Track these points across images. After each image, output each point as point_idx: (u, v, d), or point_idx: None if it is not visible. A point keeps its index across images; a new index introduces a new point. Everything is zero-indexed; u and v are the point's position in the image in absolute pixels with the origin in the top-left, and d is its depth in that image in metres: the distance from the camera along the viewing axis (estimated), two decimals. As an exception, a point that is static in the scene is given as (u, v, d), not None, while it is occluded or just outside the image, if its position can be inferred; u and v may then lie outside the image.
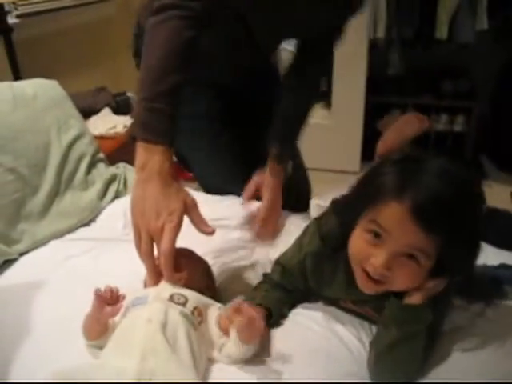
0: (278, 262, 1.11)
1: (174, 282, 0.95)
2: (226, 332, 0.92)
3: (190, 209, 0.97)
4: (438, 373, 0.90)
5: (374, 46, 3.06)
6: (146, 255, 0.95)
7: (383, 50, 3.07)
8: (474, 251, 0.86)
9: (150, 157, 0.96)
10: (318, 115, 3.57)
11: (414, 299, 0.88)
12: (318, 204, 1.62)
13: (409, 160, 0.87)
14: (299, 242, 1.09)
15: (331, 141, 3.25)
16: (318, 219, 1.07)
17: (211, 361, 0.92)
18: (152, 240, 0.94)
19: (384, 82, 3.29)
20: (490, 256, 1.14)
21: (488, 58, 3.18)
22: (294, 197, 1.56)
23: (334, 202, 1.04)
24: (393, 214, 0.82)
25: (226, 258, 1.24)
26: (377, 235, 0.85)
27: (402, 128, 1.16)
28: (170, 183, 0.97)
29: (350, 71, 3.08)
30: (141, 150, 0.97)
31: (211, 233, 0.98)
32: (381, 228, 0.84)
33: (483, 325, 0.99)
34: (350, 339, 0.98)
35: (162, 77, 0.97)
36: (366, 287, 0.90)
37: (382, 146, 1.12)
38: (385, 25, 2.93)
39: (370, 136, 3.26)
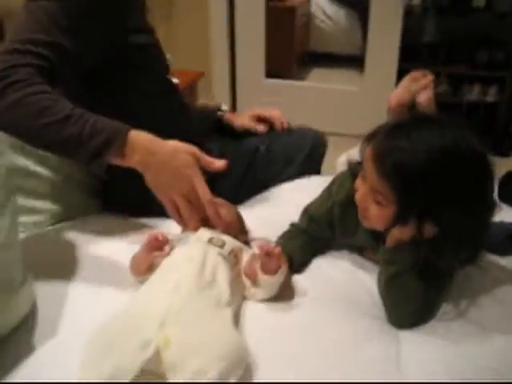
0: (305, 211, 1.18)
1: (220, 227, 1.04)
2: (250, 276, 1.00)
3: (197, 155, 1.04)
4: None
5: (409, 12, 3.03)
6: (192, 219, 1.02)
7: (418, 16, 3.05)
8: (459, 209, 0.90)
9: (129, 151, 1.00)
10: (350, 81, 3.59)
11: (388, 242, 1.00)
12: (342, 161, 1.67)
13: (408, 119, 0.96)
14: (328, 191, 1.16)
15: (362, 107, 3.25)
16: (350, 169, 1.12)
17: (244, 298, 1.00)
18: (189, 202, 1.02)
19: (418, 50, 3.27)
20: (507, 215, 1.20)
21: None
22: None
23: None
24: (366, 156, 0.95)
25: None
26: (362, 176, 0.97)
27: (408, 84, 1.30)
28: (162, 145, 1.03)
29: (384, 37, 3.08)
30: (119, 159, 1.00)
31: (224, 165, 1.06)
32: (363, 169, 0.97)
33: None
34: (371, 284, 1.05)
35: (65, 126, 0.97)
36: (361, 221, 1.01)
37: (391, 101, 1.28)
38: (421, -10, 2.91)
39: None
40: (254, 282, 0.99)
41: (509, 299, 1.01)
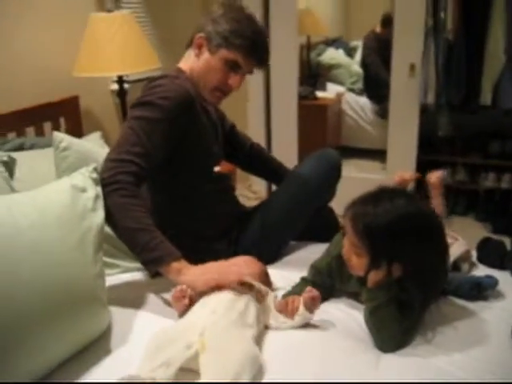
0: (312, 265, 1.52)
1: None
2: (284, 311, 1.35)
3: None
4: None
5: (424, 110, 3.43)
6: None
7: (433, 113, 3.43)
8: (415, 254, 1.23)
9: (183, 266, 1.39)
10: (374, 171, 3.96)
11: (368, 284, 1.30)
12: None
13: (377, 191, 1.32)
14: (328, 249, 1.51)
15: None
16: (341, 232, 1.47)
17: (266, 327, 1.33)
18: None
19: (435, 142, 3.64)
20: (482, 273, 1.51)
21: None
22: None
23: None
24: (346, 220, 1.29)
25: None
26: (344, 234, 1.33)
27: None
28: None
29: (403, 132, 3.47)
30: (170, 268, 1.37)
31: None
32: (346, 229, 1.31)
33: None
34: (361, 320, 1.35)
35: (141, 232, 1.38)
36: (349, 269, 1.35)
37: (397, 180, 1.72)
38: (434, 91, 3.32)
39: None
40: (291, 315, 1.33)
41: (462, 327, 1.31)
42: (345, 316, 1.39)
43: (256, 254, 1.72)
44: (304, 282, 1.49)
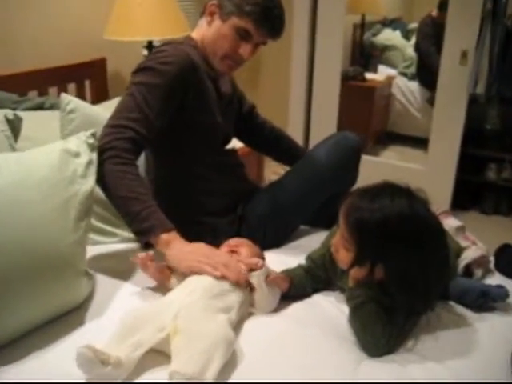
0: (308, 256, 1.45)
1: None
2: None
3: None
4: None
5: (473, 101, 3.24)
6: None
7: (482, 105, 3.24)
8: (404, 260, 1.13)
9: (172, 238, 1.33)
10: (416, 159, 3.80)
11: (349, 282, 1.25)
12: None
13: (377, 185, 1.22)
14: (325, 240, 1.43)
15: (423, 185, 3.41)
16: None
17: (251, 314, 1.28)
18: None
19: (481, 136, 3.44)
20: (497, 282, 1.39)
21: None
22: None
23: None
24: (340, 211, 1.21)
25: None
26: (338, 225, 1.24)
27: None
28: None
29: (448, 121, 3.28)
30: (160, 239, 1.32)
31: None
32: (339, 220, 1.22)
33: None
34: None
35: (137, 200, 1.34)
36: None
37: None
38: (485, 81, 3.12)
39: (465, 186, 3.43)
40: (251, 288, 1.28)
41: (454, 340, 1.21)
42: (335, 311, 1.31)
43: (261, 234, 1.66)
44: (299, 268, 1.43)
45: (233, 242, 1.46)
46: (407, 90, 4.50)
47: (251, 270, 1.29)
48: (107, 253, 1.55)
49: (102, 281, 1.37)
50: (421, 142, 4.08)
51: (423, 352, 1.17)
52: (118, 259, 1.51)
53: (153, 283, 1.36)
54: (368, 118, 4.26)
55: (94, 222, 1.56)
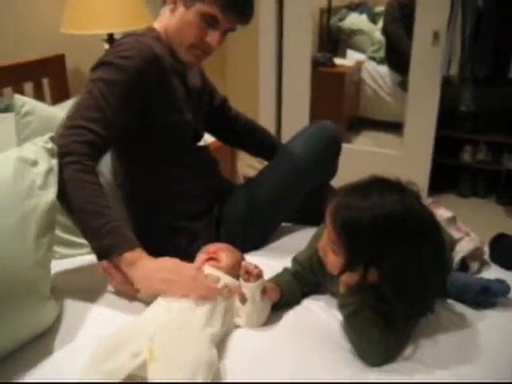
0: (294, 258, 1.34)
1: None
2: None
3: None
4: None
5: (447, 82, 3.17)
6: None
7: (456, 86, 3.17)
8: (398, 262, 1.04)
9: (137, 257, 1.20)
10: (391, 145, 3.73)
11: (340, 288, 1.15)
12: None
13: (366, 182, 1.11)
14: (311, 240, 1.33)
15: (400, 171, 3.34)
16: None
17: (237, 327, 1.17)
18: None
19: (456, 118, 3.38)
20: (495, 275, 1.31)
21: None
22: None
23: None
24: (327, 210, 1.11)
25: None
26: (325, 226, 1.13)
27: None
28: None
29: (422, 104, 3.21)
30: (123, 259, 1.19)
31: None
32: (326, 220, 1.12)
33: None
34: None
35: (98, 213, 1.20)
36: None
37: None
38: (458, 63, 3.05)
39: (440, 169, 3.38)
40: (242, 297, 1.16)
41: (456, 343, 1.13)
42: (328, 317, 1.22)
43: (240, 235, 1.56)
44: (285, 272, 1.32)
45: (211, 247, 1.35)
46: (377, 74, 4.43)
47: (245, 278, 1.17)
48: (75, 268, 1.41)
49: (70, 301, 1.24)
50: (393, 127, 4.03)
51: (425, 360, 1.08)
52: (87, 274, 1.37)
53: (127, 300, 1.24)
54: (339, 104, 4.18)
55: (59, 233, 1.43)
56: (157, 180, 1.49)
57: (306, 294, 1.31)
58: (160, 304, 1.11)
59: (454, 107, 3.30)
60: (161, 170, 1.48)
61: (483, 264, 1.39)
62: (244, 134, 1.89)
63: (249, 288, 1.15)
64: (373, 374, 1.05)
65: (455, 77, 3.12)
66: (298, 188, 1.65)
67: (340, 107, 4.18)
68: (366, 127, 4.44)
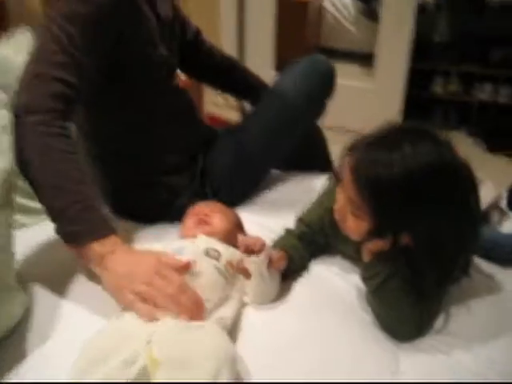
0: (299, 218, 1.17)
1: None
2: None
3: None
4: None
5: (422, 10, 2.97)
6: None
7: (432, 14, 2.99)
8: (435, 224, 0.88)
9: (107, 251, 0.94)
10: (359, 78, 3.55)
11: (364, 258, 0.99)
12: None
13: (391, 131, 0.93)
14: (320, 198, 1.15)
15: (371, 104, 3.22)
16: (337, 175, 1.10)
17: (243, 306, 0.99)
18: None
19: (429, 48, 3.22)
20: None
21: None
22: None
23: None
24: (345, 166, 0.93)
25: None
26: (342, 185, 0.96)
27: None
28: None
29: (395, 34, 3.01)
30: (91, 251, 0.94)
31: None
32: (342, 178, 0.94)
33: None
34: (362, 285, 1.03)
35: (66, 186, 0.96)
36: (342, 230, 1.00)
37: None
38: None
39: (412, 102, 3.24)
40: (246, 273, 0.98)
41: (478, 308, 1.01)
42: (345, 285, 1.06)
43: (227, 189, 1.38)
44: (290, 235, 1.15)
45: (201, 208, 1.15)
46: (339, 1, 4.18)
47: (248, 252, 0.97)
48: (40, 245, 1.15)
49: (40, 290, 1.01)
50: (358, 58, 3.84)
51: (460, 332, 0.95)
52: (56, 252, 1.10)
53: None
54: (302, 34, 3.94)
55: (16, 198, 1.18)
56: (129, 129, 1.26)
57: (313, 258, 1.15)
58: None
59: (428, 38, 3.12)
60: (133, 117, 1.25)
61: (502, 214, 1.26)
62: (222, 70, 1.65)
63: (253, 263, 0.97)
64: (405, 354, 0.90)
65: (430, 3, 2.94)
66: (291, 132, 1.46)
67: (303, 37, 3.94)
68: (329, 57, 4.22)
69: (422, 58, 3.18)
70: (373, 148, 0.90)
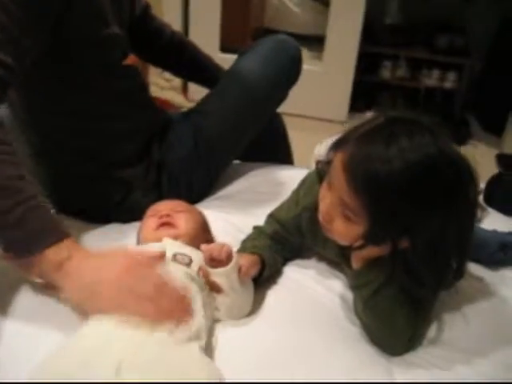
0: (271, 215, 1.05)
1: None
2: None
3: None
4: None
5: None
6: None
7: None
8: (438, 224, 0.79)
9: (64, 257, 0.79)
10: (308, 61, 3.45)
11: (354, 265, 0.89)
12: (318, 154, 1.54)
13: (385, 122, 0.83)
14: (296, 194, 1.03)
15: (320, 88, 3.13)
16: (317, 170, 0.98)
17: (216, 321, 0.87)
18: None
19: (378, 32, 3.16)
20: (498, 223, 1.12)
21: (486, 16, 3.08)
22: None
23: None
24: (335, 164, 0.82)
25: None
26: (329, 184, 0.84)
27: None
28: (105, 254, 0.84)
29: (345, 18, 2.94)
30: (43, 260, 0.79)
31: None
32: (330, 176, 0.84)
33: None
34: (344, 292, 0.95)
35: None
36: (324, 232, 0.89)
37: None
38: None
39: (360, 87, 3.19)
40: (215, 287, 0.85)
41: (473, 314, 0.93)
42: (326, 292, 0.96)
43: (186, 181, 1.24)
44: (261, 234, 1.03)
45: (162, 207, 1.01)
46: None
47: (213, 265, 0.84)
48: None
49: None
50: (303, 40, 3.74)
51: (457, 342, 0.87)
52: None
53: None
54: (246, 14, 3.81)
55: None
56: (75, 117, 1.09)
57: (285, 260, 1.04)
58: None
59: (377, 21, 3.06)
60: (80, 102, 1.08)
61: (482, 210, 1.19)
62: (172, 51, 1.49)
63: (221, 275, 0.85)
64: (399, 371, 0.82)
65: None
66: (255, 119, 1.34)
67: (247, 17, 3.81)
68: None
69: (371, 41, 3.13)
70: (366, 142, 0.79)
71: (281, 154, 1.57)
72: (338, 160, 0.81)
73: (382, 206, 0.77)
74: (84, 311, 0.78)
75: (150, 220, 0.98)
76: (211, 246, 0.86)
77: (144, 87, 1.28)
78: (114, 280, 0.77)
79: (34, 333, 0.81)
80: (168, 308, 0.76)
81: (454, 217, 0.79)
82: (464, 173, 0.80)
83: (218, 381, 0.70)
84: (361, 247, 0.84)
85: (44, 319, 0.83)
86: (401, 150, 0.76)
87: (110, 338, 0.70)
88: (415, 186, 0.76)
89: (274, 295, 0.94)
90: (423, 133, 0.79)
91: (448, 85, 3.23)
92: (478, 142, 3.05)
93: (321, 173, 0.92)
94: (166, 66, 1.57)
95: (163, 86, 2.97)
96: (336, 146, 0.84)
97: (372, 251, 0.84)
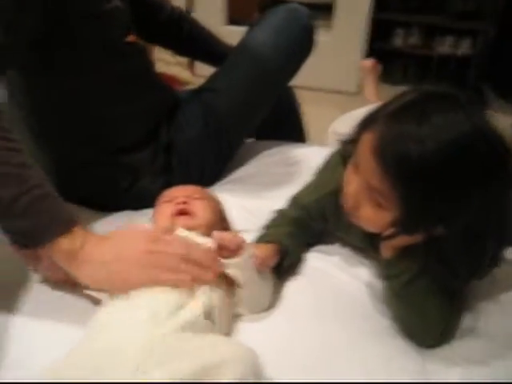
0: (294, 199, 0.99)
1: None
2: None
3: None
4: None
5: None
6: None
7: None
8: (462, 207, 0.72)
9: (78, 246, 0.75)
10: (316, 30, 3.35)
11: (384, 254, 0.83)
12: (334, 131, 1.47)
13: (418, 97, 0.75)
14: (319, 177, 0.97)
15: (329, 58, 3.04)
16: (341, 151, 0.91)
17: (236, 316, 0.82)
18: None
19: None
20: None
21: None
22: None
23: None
24: (362, 144, 0.75)
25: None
26: (356, 166, 0.78)
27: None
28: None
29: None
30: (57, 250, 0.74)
31: None
32: (356, 158, 0.77)
33: None
34: (372, 280, 0.89)
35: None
36: (350, 218, 0.83)
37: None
38: None
39: (370, 56, 3.09)
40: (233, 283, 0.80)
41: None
42: (351, 280, 0.90)
43: (196, 163, 1.18)
44: (283, 220, 0.96)
45: (179, 193, 0.95)
46: None
47: (225, 255, 0.78)
48: None
49: None
50: (309, 7, 3.63)
51: (492, 330, 0.81)
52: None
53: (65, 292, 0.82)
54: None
55: None
56: (78, 99, 1.02)
57: (309, 243, 0.98)
58: (132, 308, 0.71)
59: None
60: (83, 83, 1.01)
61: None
62: (172, 24, 1.40)
63: (234, 267, 0.78)
64: (432, 368, 0.76)
65: None
66: (268, 94, 1.27)
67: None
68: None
69: (383, 8, 3.02)
70: (397, 121, 0.72)
71: (295, 131, 1.50)
72: (366, 140, 0.74)
73: (415, 189, 0.70)
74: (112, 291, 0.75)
75: (165, 206, 0.92)
76: (223, 234, 0.80)
77: (149, 66, 1.20)
78: (140, 254, 0.74)
79: (51, 329, 0.77)
80: (199, 261, 0.75)
81: (491, 199, 0.73)
82: (501, 151, 0.74)
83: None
84: (392, 236, 0.77)
85: (60, 315, 0.78)
86: (433, 128, 0.69)
87: (124, 340, 0.65)
88: (450, 168, 0.69)
89: (296, 286, 0.88)
90: (457, 109, 0.72)
91: (462, 52, 3.13)
92: (494, 111, 2.95)
93: (344, 154, 0.86)
94: (165, 43, 1.47)
95: (169, 61, 2.87)
96: (363, 125, 0.77)
97: (403, 239, 0.78)
